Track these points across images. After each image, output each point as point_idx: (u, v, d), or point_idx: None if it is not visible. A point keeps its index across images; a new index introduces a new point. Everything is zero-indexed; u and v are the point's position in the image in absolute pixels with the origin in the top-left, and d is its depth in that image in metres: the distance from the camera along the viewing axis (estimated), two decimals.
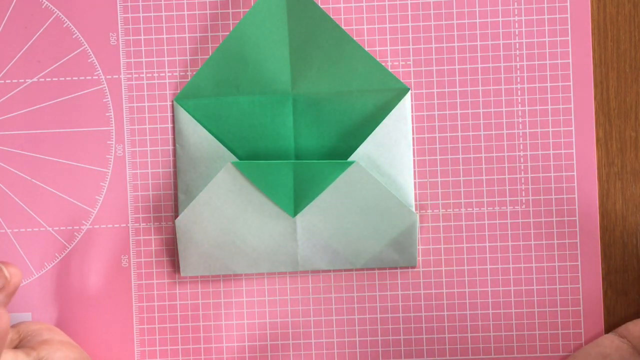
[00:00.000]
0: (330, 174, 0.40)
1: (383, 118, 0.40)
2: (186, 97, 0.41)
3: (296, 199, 0.40)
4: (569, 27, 0.41)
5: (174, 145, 0.41)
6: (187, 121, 0.41)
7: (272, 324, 0.42)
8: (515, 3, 0.41)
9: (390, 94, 0.41)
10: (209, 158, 0.41)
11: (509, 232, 0.41)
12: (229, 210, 0.40)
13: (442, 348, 0.41)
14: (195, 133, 0.41)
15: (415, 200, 0.41)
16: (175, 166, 0.42)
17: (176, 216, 0.42)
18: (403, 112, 0.41)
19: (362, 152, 0.40)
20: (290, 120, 0.41)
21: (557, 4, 0.41)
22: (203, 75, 0.41)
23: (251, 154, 0.41)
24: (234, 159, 0.41)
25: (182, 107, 0.41)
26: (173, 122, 0.41)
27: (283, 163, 0.40)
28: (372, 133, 0.40)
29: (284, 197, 0.40)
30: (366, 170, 0.40)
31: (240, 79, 0.41)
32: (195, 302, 0.42)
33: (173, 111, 0.41)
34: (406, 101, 0.41)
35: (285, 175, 0.40)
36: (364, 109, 0.41)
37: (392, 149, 0.41)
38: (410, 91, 0.41)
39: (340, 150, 0.41)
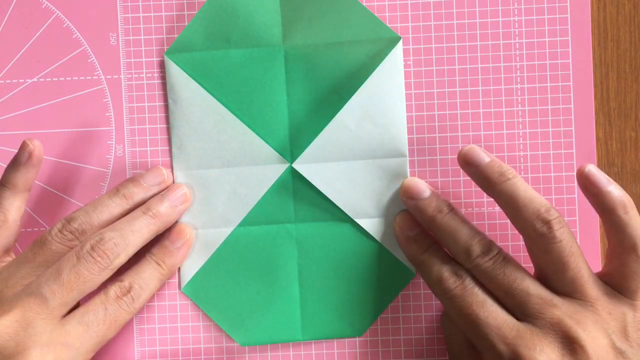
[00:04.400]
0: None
1: (375, 68, 0.40)
2: (177, 51, 0.41)
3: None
4: (569, 27, 0.41)
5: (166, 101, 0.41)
6: (179, 75, 0.41)
7: None
8: (515, 3, 0.41)
9: (381, 44, 0.40)
10: (202, 112, 0.41)
11: (509, 232, 0.41)
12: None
13: (442, 348, 0.41)
14: (187, 87, 0.41)
15: None
16: (168, 122, 0.41)
17: None
18: (394, 61, 0.40)
19: (355, 103, 0.40)
20: (283, 72, 0.41)
21: (557, 4, 0.41)
22: (193, 28, 0.41)
23: (244, 107, 0.41)
24: (227, 112, 0.40)
25: (173, 61, 0.41)
26: None
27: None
28: (364, 83, 0.40)
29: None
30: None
31: (231, 31, 0.40)
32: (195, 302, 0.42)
33: (163, 66, 0.41)
34: (397, 50, 0.40)
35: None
36: (356, 59, 0.40)
37: (385, 98, 0.40)
38: (401, 40, 0.41)
39: (333, 102, 0.41)
